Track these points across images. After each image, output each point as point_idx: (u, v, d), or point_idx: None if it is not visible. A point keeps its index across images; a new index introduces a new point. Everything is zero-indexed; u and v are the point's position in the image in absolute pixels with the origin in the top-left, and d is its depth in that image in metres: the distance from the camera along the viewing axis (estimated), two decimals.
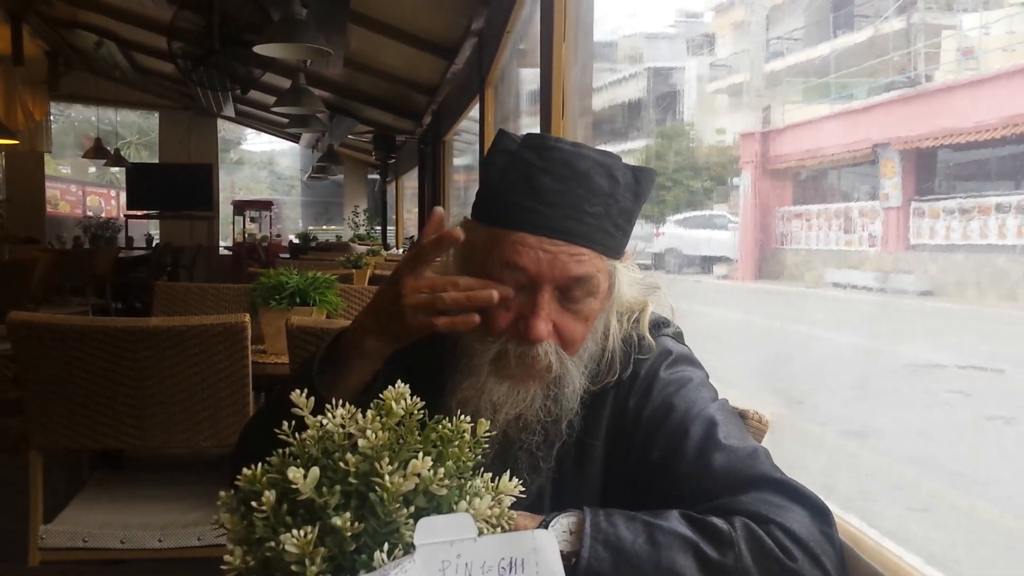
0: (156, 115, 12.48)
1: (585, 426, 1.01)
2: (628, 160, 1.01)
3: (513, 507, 0.70)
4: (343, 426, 0.68)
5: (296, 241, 11.26)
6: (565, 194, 0.94)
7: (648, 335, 1.04)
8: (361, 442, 0.66)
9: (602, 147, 1.02)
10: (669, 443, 0.96)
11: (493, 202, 0.97)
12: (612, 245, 0.98)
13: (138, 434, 1.96)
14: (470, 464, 0.70)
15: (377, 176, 13.75)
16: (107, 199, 17.68)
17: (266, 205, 14.41)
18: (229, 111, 10.12)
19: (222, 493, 0.68)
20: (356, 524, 0.63)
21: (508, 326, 0.95)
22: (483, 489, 0.68)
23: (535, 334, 0.93)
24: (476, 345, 0.98)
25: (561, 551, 0.75)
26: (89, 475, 2.26)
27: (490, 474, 0.70)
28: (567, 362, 0.97)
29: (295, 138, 13.05)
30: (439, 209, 0.99)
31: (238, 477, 0.67)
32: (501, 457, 0.97)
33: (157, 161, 12.47)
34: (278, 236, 13.93)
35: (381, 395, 0.71)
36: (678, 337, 1.11)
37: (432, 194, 8.66)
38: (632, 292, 1.05)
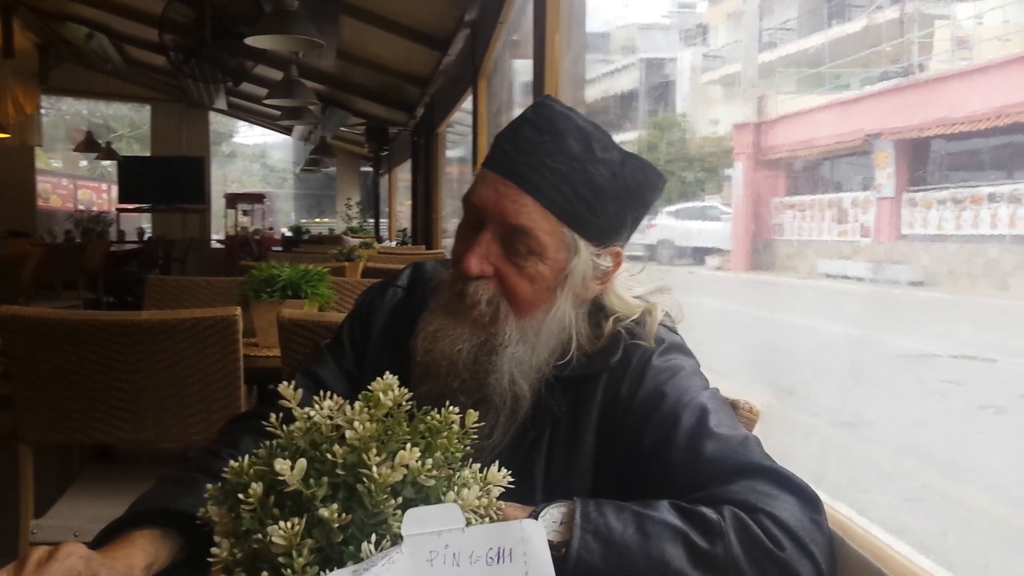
0: (147, 108, 12.42)
1: (575, 413, 1.01)
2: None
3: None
4: (331, 417, 0.68)
5: (289, 234, 11.23)
6: (535, 144, 0.97)
7: (651, 338, 1.03)
8: (349, 433, 0.66)
9: None
10: (660, 430, 0.96)
11: (490, 146, 1.03)
12: (568, 210, 0.97)
13: (129, 428, 1.96)
14: (458, 455, 0.70)
15: (370, 168, 13.70)
16: (98, 192, 17.60)
17: (258, 198, 14.34)
18: (221, 104, 10.09)
19: (209, 486, 0.68)
20: (344, 515, 0.63)
21: (459, 257, 1.00)
22: (471, 479, 0.68)
23: (465, 265, 0.97)
24: (446, 274, 1.06)
25: (551, 541, 0.75)
26: (80, 469, 2.26)
27: (478, 464, 0.70)
28: (507, 318, 0.99)
29: (287, 131, 13.00)
30: None
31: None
32: (440, 399, 0.97)
33: (149, 154, 12.40)
34: (270, 229, 13.88)
35: (369, 387, 0.71)
36: (671, 327, 1.11)
37: (425, 186, 8.65)
38: (633, 295, 1.06)
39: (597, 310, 1.05)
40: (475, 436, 0.73)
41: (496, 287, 0.98)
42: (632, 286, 1.07)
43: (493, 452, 0.97)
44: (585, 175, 0.96)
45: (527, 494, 0.96)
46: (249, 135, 27.94)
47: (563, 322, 1.00)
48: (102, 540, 0.86)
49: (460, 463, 0.70)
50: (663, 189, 1.04)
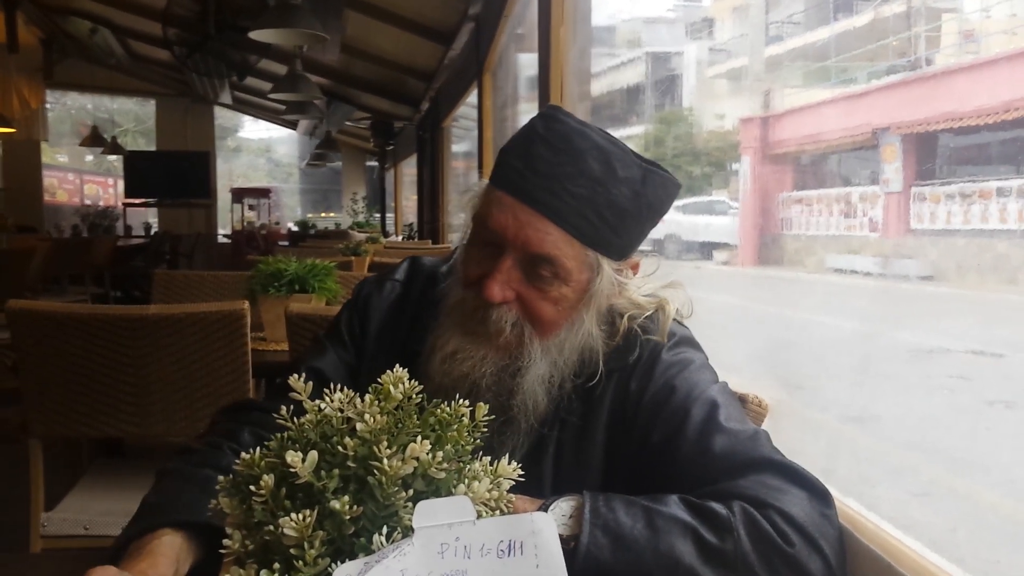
0: (153, 102, 12.44)
1: (585, 411, 1.01)
2: (630, 146, 0.99)
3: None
4: (341, 410, 0.68)
5: (295, 228, 11.25)
6: (553, 167, 0.93)
7: (665, 334, 1.02)
8: (359, 426, 0.66)
9: None
10: (670, 425, 0.96)
11: (497, 161, 0.99)
12: (592, 235, 0.94)
13: (138, 422, 1.96)
14: (468, 448, 0.70)
15: (375, 163, 13.71)
16: (105, 187, 17.67)
17: (264, 193, 14.39)
18: (226, 98, 10.08)
19: (220, 478, 0.68)
20: (355, 508, 0.62)
21: (475, 280, 0.97)
22: (482, 472, 0.68)
23: (487, 293, 0.94)
24: (454, 290, 1.01)
25: (560, 535, 0.75)
26: (89, 463, 2.27)
27: (488, 457, 0.70)
28: (531, 341, 0.97)
29: (292, 125, 13.01)
30: None
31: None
32: None
33: (154, 149, 12.43)
34: (276, 224, 13.91)
35: (379, 379, 0.71)
36: (680, 320, 1.10)
37: (431, 180, 8.64)
38: (645, 291, 1.05)
39: (609, 309, 1.04)
40: (485, 429, 0.72)
41: (519, 310, 0.96)
42: (641, 284, 1.06)
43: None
44: (608, 197, 0.93)
45: (534, 490, 0.96)
46: (254, 130, 27.93)
47: (586, 337, 0.99)
48: (121, 547, 0.84)
49: (470, 456, 0.70)
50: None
